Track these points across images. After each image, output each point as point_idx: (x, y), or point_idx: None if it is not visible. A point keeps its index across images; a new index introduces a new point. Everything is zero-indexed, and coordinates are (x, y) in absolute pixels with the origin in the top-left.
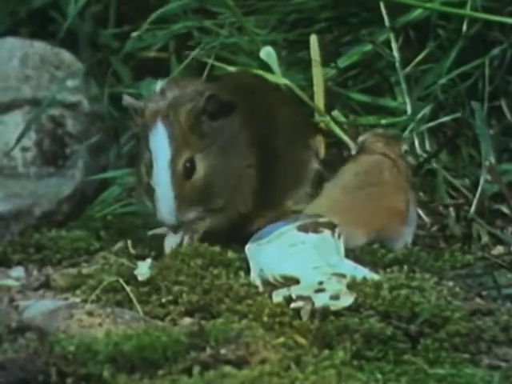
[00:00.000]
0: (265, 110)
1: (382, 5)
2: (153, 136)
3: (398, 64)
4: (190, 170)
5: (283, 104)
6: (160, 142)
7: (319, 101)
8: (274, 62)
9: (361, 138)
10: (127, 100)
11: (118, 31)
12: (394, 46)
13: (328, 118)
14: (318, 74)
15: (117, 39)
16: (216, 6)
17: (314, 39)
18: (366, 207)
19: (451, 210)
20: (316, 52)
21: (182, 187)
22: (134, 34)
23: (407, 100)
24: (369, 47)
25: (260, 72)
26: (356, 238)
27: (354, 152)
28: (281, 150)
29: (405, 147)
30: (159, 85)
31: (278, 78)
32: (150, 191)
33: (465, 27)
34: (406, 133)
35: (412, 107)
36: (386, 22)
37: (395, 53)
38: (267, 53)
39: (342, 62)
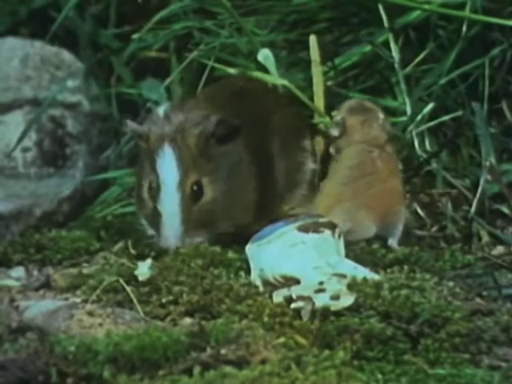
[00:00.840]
0: (260, 118)
1: (380, 6)
2: (160, 159)
3: (396, 65)
4: (197, 193)
5: (277, 107)
6: (168, 165)
7: (319, 101)
8: (271, 64)
9: (338, 118)
10: (130, 126)
11: (118, 31)
12: (392, 46)
13: (328, 119)
14: (317, 74)
15: (117, 39)
16: (216, 6)
17: (313, 39)
18: (368, 193)
19: (450, 211)
20: (316, 52)
21: (190, 211)
22: (136, 35)
23: (407, 100)
24: (369, 48)
25: (258, 74)
26: (367, 229)
27: (334, 133)
28: (277, 157)
29: (382, 116)
30: (162, 109)
31: (276, 79)
32: (155, 215)
33: (465, 28)
34: (406, 133)
35: (412, 107)
36: (385, 23)
37: (394, 53)
38: (265, 55)
39: (341, 62)
